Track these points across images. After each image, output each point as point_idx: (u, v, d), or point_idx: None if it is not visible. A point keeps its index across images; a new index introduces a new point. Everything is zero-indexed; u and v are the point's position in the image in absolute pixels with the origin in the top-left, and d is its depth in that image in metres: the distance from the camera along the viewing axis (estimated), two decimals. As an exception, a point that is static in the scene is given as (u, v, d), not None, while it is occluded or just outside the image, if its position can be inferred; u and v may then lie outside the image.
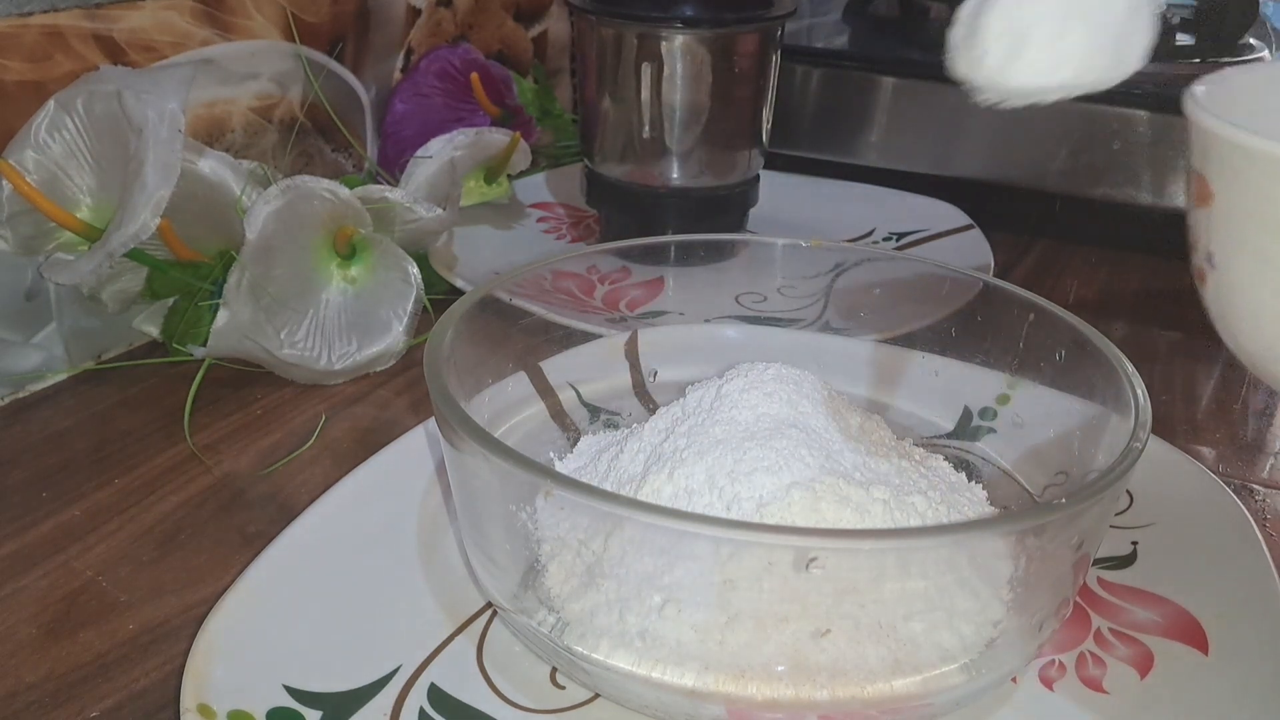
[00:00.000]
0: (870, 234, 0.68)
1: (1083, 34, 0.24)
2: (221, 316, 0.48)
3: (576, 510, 0.31)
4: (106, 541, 0.41)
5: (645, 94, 0.59)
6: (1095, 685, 0.32)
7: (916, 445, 0.40)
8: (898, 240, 0.67)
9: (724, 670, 0.29)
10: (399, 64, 0.71)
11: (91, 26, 0.51)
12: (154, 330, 0.52)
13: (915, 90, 0.73)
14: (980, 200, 0.70)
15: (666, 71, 0.58)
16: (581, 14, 0.60)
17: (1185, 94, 0.31)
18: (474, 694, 0.32)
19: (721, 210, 0.63)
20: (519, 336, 0.42)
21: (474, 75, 0.71)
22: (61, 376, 0.52)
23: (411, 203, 0.53)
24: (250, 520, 0.42)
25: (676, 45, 0.58)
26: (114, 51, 0.52)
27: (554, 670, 0.33)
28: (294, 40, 0.61)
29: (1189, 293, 0.30)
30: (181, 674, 0.31)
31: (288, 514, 0.39)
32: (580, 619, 0.31)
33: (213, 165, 0.49)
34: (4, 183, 0.47)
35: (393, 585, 0.36)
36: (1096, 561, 0.37)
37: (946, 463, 0.39)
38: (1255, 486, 0.46)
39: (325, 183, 0.50)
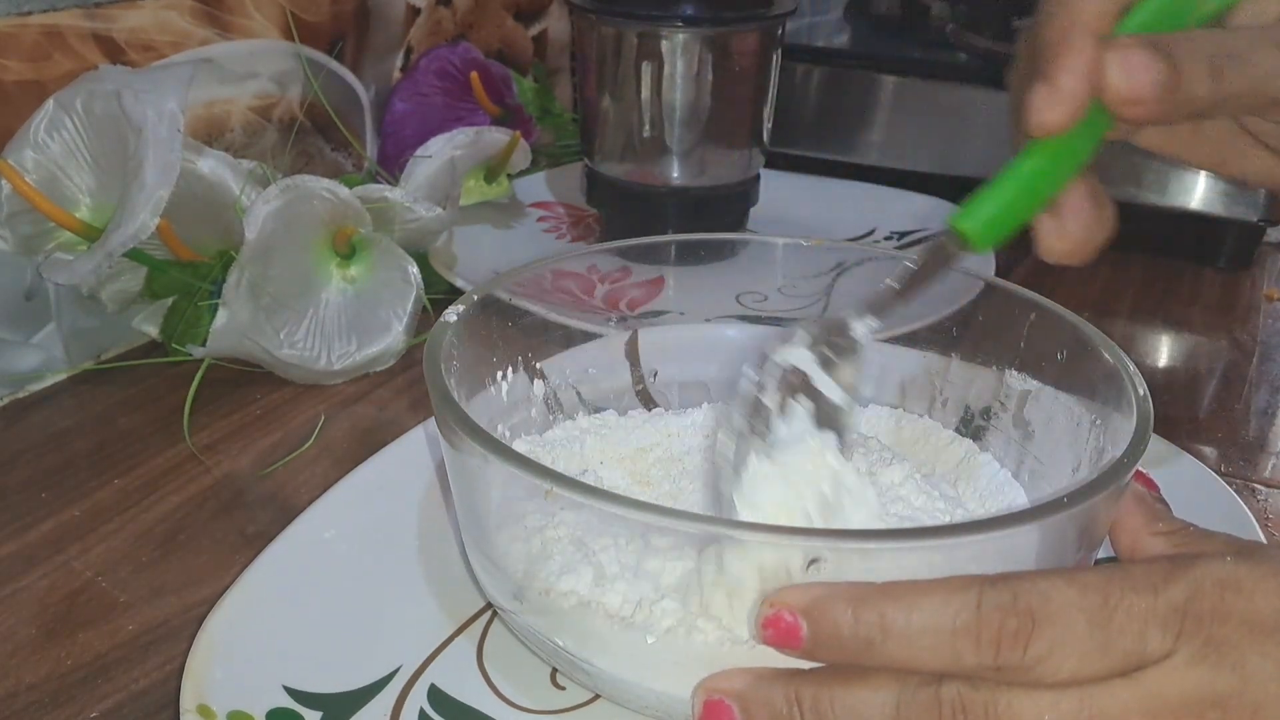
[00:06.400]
0: (871, 233, 0.68)
1: None
2: (221, 316, 0.47)
3: (577, 510, 0.31)
4: (106, 542, 0.41)
5: (645, 93, 0.59)
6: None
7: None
8: (898, 240, 0.67)
9: (725, 671, 0.29)
10: (399, 63, 0.71)
11: (91, 26, 0.51)
12: (154, 330, 0.52)
13: (916, 89, 0.73)
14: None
15: (667, 70, 0.58)
16: (581, 13, 0.60)
17: None
18: (474, 694, 0.32)
19: (722, 210, 0.63)
20: (519, 336, 0.42)
21: (474, 74, 0.71)
22: (61, 376, 0.52)
23: (411, 202, 0.53)
24: (250, 520, 0.42)
25: (677, 44, 0.58)
26: (113, 51, 0.52)
27: (554, 671, 0.33)
28: (294, 40, 0.61)
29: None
30: (181, 674, 0.31)
31: (288, 514, 0.39)
32: (580, 619, 0.31)
33: (212, 165, 0.49)
34: (3, 183, 0.47)
35: (393, 585, 0.36)
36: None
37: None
38: (1257, 486, 0.46)
39: (325, 182, 0.50)
